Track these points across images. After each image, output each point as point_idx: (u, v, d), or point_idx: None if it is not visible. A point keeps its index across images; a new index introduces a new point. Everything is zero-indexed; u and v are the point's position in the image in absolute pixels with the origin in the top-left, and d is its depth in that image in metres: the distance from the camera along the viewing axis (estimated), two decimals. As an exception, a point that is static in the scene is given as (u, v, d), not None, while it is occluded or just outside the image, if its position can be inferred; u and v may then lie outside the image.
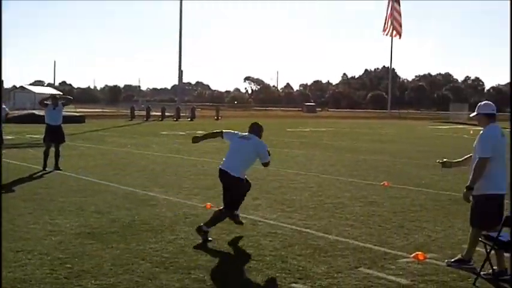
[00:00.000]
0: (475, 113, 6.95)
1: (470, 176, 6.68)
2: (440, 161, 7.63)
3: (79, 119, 42.83)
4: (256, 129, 8.77)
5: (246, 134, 8.71)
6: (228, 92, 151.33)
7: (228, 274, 6.53)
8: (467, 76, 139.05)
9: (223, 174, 8.52)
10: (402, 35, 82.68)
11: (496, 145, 6.65)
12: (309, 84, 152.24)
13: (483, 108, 6.87)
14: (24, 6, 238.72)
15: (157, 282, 6.19)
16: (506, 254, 6.54)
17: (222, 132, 9.03)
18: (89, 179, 13.68)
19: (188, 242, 7.87)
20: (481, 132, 6.78)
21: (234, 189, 8.47)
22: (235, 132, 8.93)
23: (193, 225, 8.85)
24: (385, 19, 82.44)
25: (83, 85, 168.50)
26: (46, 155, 15.49)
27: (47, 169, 15.11)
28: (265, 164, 8.61)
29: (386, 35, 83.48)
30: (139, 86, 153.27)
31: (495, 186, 6.63)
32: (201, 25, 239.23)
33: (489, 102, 7.08)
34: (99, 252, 7.31)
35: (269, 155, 8.60)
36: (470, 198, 6.74)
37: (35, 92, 68.39)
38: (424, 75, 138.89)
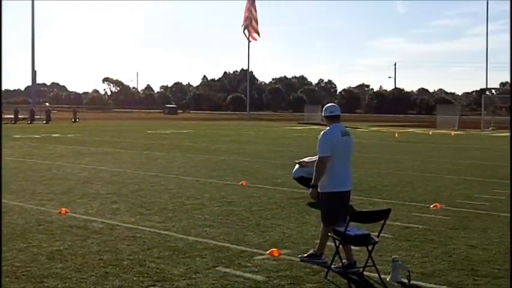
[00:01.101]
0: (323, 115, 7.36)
1: (314, 175, 7.06)
2: (297, 161, 7.97)
3: None
4: None
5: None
6: (86, 93, 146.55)
7: (83, 281, 6.36)
8: (321, 79, 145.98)
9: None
10: (259, 38, 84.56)
11: (336, 144, 7.02)
12: (169, 86, 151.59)
13: (325, 110, 7.28)
14: None
15: (7, 293, 5.91)
16: (354, 247, 6.97)
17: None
18: None
19: (41, 250, 7.56)
20: (322, 132, 7.17)
21: None
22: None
23: (47, 232, 8.54)
24: (244, 20, 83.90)
25: None
26: None
27: None
28: None
29: (247, 38, 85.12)
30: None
31: (338, 184, 7.01)
32: (54, 23, 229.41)
33: (332, 104, 7.50)
34: None
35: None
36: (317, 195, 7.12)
37: None
38: (281, 78, 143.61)
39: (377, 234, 6.81)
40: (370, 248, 6.64)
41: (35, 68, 67.69)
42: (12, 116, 54.51)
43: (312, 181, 7.03)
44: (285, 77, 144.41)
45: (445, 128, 47.90)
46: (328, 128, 7.09)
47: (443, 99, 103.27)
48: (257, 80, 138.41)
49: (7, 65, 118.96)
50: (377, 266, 6.55)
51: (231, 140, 31.47)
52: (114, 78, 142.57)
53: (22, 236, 8.32)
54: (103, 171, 16.06)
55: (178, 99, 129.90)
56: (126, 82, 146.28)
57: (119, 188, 12.88)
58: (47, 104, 76.36)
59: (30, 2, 64.04)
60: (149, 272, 6.70)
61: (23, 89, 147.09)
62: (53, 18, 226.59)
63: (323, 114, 7.22)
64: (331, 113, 7.15)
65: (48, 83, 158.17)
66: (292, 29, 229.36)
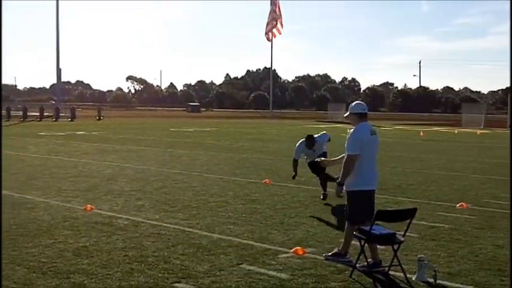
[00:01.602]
0: (347, 113, 7.29)
1: (341, 173, 7.01)
2: (319, 160, 7.93)
3: None
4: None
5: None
6: (110, 91, 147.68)
7: (109, 277, 6.41)
8: (345, 77, 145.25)
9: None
10: (280, 33, 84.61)
11: (365, 143, 6.99)
12: (192, 84, 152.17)
13: (354, 108, 7.21)
14: None
15: (34, 287, 5.98)
16: (379, 247, 6.92)
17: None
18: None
19: (67, 246, 7.64)
20: (351, 130, 7.12)
21: None
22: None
23: (73, 229, 8.63)
24: (267, 24, 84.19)
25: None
26: None
27: None
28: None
29: (268, 40, 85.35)
30: (15, 85, 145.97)
31: (365, 182, 6.97)
32: (79, 22, 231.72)
33: (360, 102, 7.44)
34: (-29, 259, 6.93)
35: None
36: (343, 193, 7.08)
37: None
38: (304, 76, 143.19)
39: (402, 233, 6.76)
40: (395, 247, 6.58)
41: (60, 66, 68.56)
42: (38, 114, 55.24)
43: (339, 179, 6.99)
44: (308, 75, 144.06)
45: (470, 127, 47.36)
46: (357, 126, 7.03)
47: (469, 97, 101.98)
48: (280, 78, 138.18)
49: (33, 63, 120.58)
50: (403, 266, 6.50)
51: (254, 138, 31.47)
52: (138, 77, 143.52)
53: (48, 232, 8.41)
54: (127, 169, 16.18)
55: (201, 97, 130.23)
56: (149, 80, 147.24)
57: (143, 185, 12.95)
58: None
59: (55, 1, 64.81)
60: (174, 268, 6.73)
61: (48, 87, 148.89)
62: (77, 17, 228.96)
63: (352, 111, 7.14)
64: (363, 110, 7.10)
65: (73, 81, 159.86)
66: (315, 26, 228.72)
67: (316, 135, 11.88)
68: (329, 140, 12.06)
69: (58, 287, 6.02)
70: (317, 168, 10.99)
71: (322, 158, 8.00)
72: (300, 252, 7.44)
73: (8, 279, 6.20)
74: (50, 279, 6.26)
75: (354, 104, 7.28)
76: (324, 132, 12.34)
